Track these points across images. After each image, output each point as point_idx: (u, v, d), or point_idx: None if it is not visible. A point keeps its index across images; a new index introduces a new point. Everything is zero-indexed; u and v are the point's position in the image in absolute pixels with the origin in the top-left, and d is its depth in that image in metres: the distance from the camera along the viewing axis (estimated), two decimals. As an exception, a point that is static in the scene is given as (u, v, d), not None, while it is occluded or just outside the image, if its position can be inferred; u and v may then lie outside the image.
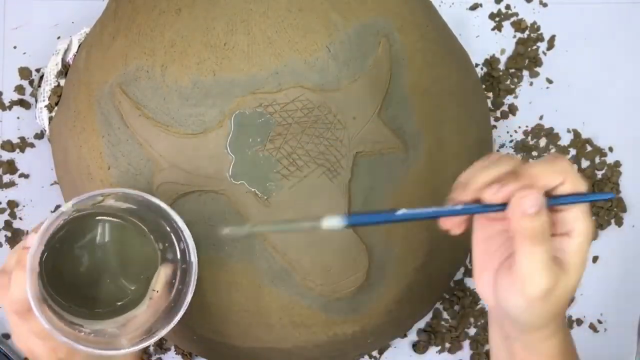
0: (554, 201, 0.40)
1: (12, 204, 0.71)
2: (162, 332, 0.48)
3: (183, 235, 0.49)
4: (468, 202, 0.41)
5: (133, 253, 0.52)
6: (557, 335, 0.44)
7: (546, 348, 0.44)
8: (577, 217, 0.41)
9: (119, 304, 0.51)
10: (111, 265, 0.52)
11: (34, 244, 0.45)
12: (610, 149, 0.72)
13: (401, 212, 0.41)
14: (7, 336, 0.69)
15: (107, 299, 0.51)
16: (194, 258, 0.49)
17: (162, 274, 0.51)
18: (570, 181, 0.40)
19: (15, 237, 0.70)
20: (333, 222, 0.41)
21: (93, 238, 0.51)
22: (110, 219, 0.52)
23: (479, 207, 0.41)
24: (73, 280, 0.51)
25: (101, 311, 0.51)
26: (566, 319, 0.46)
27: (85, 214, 0.51)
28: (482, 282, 0.44)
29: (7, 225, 0.70)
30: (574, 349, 0.47)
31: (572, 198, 0.40)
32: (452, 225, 0.43)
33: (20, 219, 0.70)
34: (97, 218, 0.52)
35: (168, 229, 0.50)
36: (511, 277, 0.41)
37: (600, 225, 0.71)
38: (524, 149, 0.71)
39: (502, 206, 0.40)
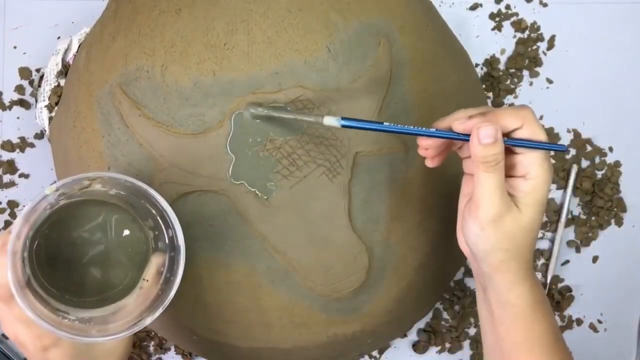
0: (508, 141, 0.46)
1: (12, 204, 0.71)
2: (148, 321, 0.47)
3: (170, 220, 0.48)
4: (443, 129, 0.47)
5: (125, 241, 0.52)
6: (522, 285, 0.48)
7: (514, 297, 0.48)
8: (532, 162, 0.46)
9: (110, 292, 0.51)
10: (102, 253, 0.51)
11: (15, 225, 0.45)
12: (610, 149, 0.72)
13: (387, 124, 0.47)
14: (7, 336, 0.69)
15: (98, 288, 0.51)
16: (181, 242, 0.48)
17: (154, 262, 0.51)
18: (528, 127, 0.46)
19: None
20: (332, 120, 0.48)
21: (84, 225, 0.51)
22: (101, 206, 0.51)
23: (448, 133, 0.47)
24: (64, 268, 0.50)
25: (92, 300, 0.51)
26: (533, 273, 0.49)
27: (76, 201, 0.50)
28: (461, 234, 0.51)
29: (8, 225, 0.70)
30: (547, 306, 0.51)
31: (526, 142, 0.46)
32: (427, 153, 0.49)
33: (21, 219, 0.70)
34: (89, 205, 0.51)
35: (157, 216, 0.50)
36: (470, 208, 0.47)
37: (600, 225, 0.71)
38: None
39: (467, 136, 0.46)
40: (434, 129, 0.48)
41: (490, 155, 0.45)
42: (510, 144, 0.46)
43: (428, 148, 0.49)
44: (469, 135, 0.46)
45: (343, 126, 0.48)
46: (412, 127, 0.47)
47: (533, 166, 0.46)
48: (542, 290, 0.51)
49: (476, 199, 0.46)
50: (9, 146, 0.71)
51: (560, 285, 0.71)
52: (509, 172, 0.47)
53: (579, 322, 0.70)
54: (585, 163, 0.72)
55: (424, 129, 0.47)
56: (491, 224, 0.46)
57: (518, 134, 0.46)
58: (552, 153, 0.47)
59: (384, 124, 0.47)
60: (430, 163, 0.50)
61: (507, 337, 0.50)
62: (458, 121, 0.46)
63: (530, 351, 0.50)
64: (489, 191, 0.45)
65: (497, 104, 0.72)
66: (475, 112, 0.47)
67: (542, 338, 0.50)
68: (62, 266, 0.50)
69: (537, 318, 0.49)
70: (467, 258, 0.52)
